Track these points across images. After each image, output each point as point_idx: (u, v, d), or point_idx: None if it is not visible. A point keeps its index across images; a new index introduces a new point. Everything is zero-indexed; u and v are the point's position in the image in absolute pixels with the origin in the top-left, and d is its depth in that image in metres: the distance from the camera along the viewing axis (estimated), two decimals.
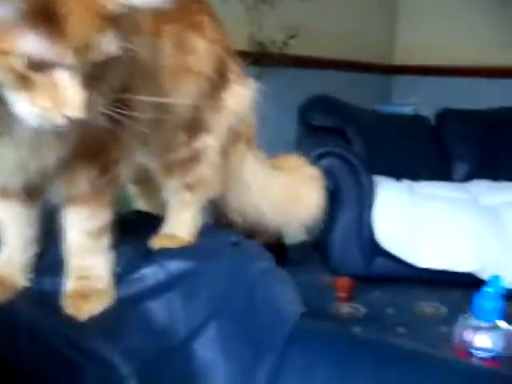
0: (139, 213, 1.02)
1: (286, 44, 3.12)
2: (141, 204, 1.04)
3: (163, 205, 0.91)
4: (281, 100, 3.36)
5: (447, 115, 3.65)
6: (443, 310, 2.81)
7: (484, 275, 2.72)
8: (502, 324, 0.87)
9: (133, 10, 0.54)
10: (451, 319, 2.67)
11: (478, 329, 0.86)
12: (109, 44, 0.54)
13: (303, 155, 2.77)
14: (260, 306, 0.81)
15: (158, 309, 0.77)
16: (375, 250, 2.77)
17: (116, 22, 0.54)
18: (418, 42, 4.32)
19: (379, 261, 2.81)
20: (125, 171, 0.78)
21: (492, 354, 0.85)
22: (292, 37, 3.12)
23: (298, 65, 3.37)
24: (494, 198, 3.01)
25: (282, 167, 0.99)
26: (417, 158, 3.41)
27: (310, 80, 3.51)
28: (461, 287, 2.97)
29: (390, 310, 2.81)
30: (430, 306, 2.86)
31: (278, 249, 2.91)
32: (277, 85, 3.28)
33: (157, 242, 0.86)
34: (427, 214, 2.78)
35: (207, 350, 0.75)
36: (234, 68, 0.87)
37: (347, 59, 3.84)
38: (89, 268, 0.77)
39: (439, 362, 0.80)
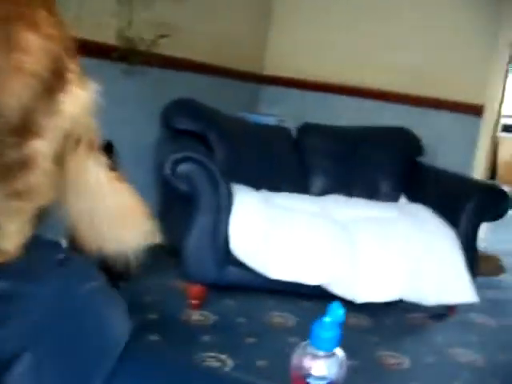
0: None
1: (155, 42, 3.03)
2: None
3: None
4: (146, 100, 3.28)
5: (307, 129, 3.74)
6: (293, 320, 2.87)
7: (333, 288, 2.81)
8: (338, 351, 0.86)
9: None
10: (300, 330, 2.77)
11: (315, 357, 0.84)
12: None
13: (162, 158, 2.72)
14: (87, 332, 0.73)
15: None
16: (229, 258, 2.77)
17: None
18: (288, 54, 4.41)
19: (232, 270, 2.80)
20: None
21: (327, 382, 0.84)
22: (163, 36, 3.04)
23: (166, 65, 3.30)
24: (347, 214, 3.13)
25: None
26: (277, 169, 3.46)
27: (179, 82, 3.45)
28: (311, 299, 3.06)
29: (241, 320, 2.82)
30: (280, 316, 2.90)
31: None
32: (144, 84, 3.21)
33: None
34: (281, 226, 2.82)
35: None
36: (74, 68, 0.79)
37: (218, 64, 3.83)
38: None
39: None
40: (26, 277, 0.72)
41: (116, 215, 0.88)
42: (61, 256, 0.77)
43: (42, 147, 0.75)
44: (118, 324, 0.77)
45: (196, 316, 2.76)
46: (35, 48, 0.70)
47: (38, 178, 0.77)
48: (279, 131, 3.74)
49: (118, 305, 0.79)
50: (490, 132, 3.89)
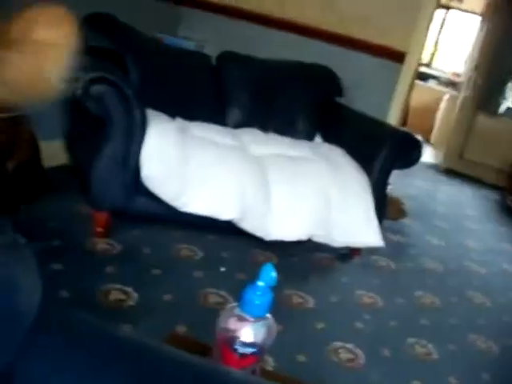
0: None
1: None
2: None
3: None
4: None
5: (227, 57, 3.59)
6: (199, 254, 2.83)
7: (244, 225, 2.78)
8: (268, 317, 0.81)
9: None
10: (206, 265, 2.74)
11: (243, 321, 0.78)
12: None
13: (76, 77, 2.50)
14: None
15: None
16: (138, 187, 2.65)
17: None
18: None
19: (141, 199, 2.69)
20: None
21: (253, 350, 0.79)
22: None
23: None
24: (262, 149, 3.07)
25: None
26: (195, 96, 3.31)
27: None
28: (220, 233, 3.03)
29: (146, 250, 2.74)
30: (187, 249, 2.85)
31: (36, 171, 2.63)
32: None
33: None
34: (195, 158, 2.72)
35: None
36: None
37: None
38: None
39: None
40: None
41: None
42: None
43: None
44: (28, 287, 0.67)
45: (101, 245, 2.66)
46: None
47: None
48: (199, 57, 3.57)
49: (31, 267, 0.69)
50: (409, 80, 3.92)
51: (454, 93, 7.28)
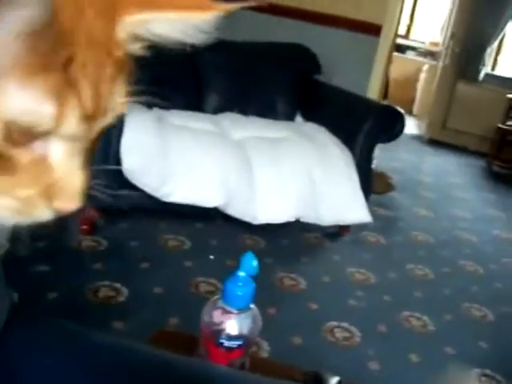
0: None
1: None
2: None
3: None
4: None
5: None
6: (187, 243, 2.80)
7: (230, 210, 2.75)
8: (252, 307, 0.78)
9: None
10: (195, 254, 2.71)
11: (227, 313, 0.76)
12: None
13: None
14: None
15: None
16: (121, 181, 2.60)
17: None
18: None
19: (124, 193, 2.65)
20: None
21: (239, 343, 0.76)
22: None
23: None
24: (243, 133, 3.04)
25: None
26: (171, 82, 3.26)
27: None
28: (206, 220, 2.99)
29: (133, 244, 2.71)
30: (174, 239, 2.82)
31: None
32: None
33: None
34: (175, 147, 2.68)
35: None
36: None
37: None
38: None
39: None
40: None
41: None
42: None
43: None
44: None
45: (87, 242, 2.62)
46: None
47: None
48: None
49: None
50: (386, 53, 3.88)
51: (434, 63, 7.25)
